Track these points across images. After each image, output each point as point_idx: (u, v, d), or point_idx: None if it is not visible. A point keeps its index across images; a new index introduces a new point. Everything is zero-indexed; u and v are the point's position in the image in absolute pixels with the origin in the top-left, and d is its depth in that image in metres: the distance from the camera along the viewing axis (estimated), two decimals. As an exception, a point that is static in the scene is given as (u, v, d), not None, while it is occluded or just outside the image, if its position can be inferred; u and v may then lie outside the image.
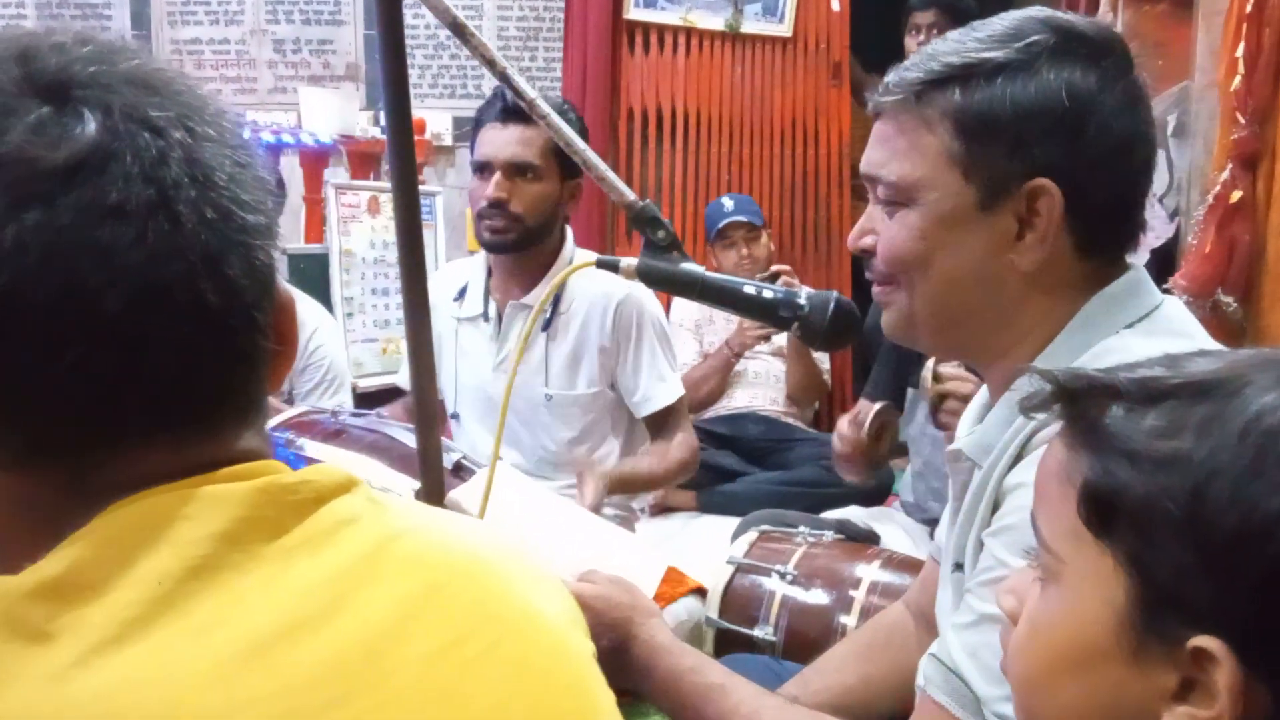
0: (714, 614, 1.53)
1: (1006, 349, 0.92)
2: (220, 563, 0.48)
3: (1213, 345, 0.82)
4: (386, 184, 2.90)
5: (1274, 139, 2.01)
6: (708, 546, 1.95)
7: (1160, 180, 2.33)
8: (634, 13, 3.59)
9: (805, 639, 1.44)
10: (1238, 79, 1.98)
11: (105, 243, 0.47)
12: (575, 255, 2.02)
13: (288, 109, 3.46)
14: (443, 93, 3.66)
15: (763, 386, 3.13)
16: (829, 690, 1.13)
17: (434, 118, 3.60)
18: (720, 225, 3.16)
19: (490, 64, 0.96)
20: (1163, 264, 2.25)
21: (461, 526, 0.61)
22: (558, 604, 0.59)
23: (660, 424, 2.08)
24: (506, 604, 0.56)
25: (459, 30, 0.94)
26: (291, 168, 3.27)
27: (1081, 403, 0.57)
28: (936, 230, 0.89)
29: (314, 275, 2.97)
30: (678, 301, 3.07)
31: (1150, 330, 0.87)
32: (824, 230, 3.73)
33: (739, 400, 3.10)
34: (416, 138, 1.01)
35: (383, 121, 3.29)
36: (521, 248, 1.96)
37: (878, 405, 1.76)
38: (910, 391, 2.13)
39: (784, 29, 3.64)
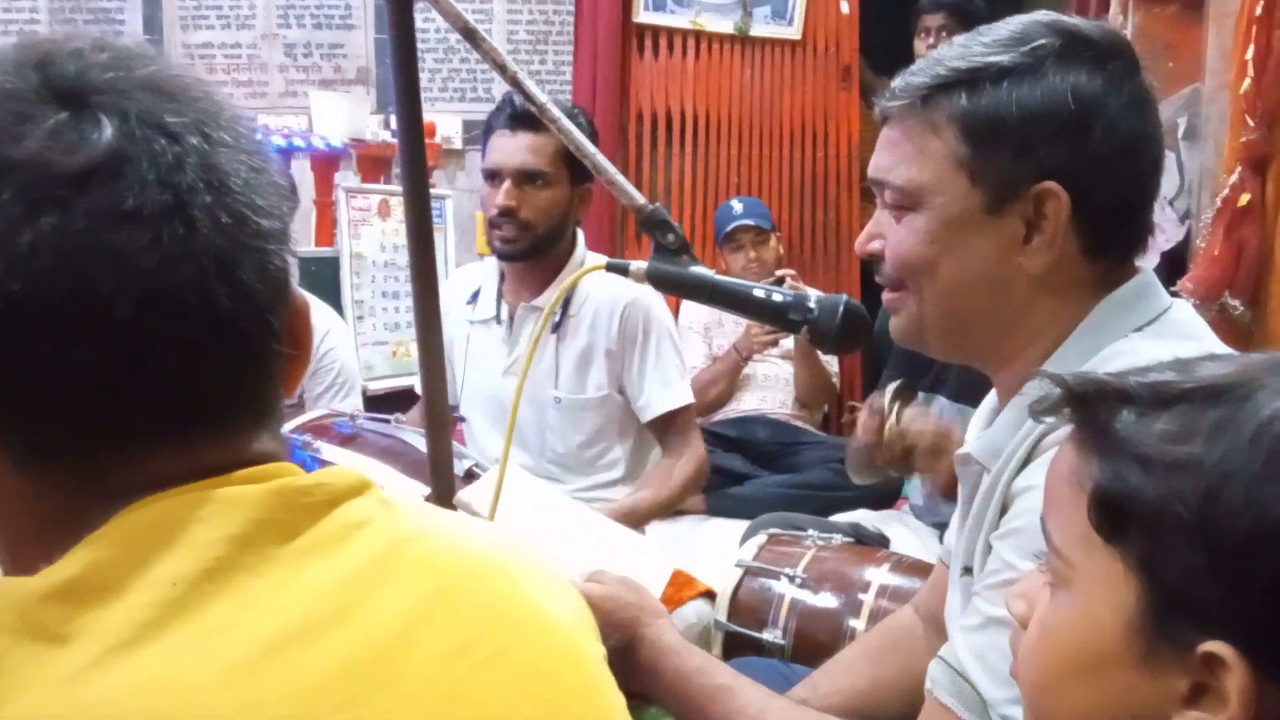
0: (723, 617, 1.53)
1: (1015, 352, 0.92)
2: (234, 565, 0.49)
3: (1222, 349, 0.82)
4: (397, 187, 2.91)
5: (1284, 142, 2.00)
6: (716, 549, 1.95)
7: (1171, 183, 2.33)
8: (643, 16, 3.60)
9: (814, 642, 1.44)
10: (1247, 81, 1.97)
11: (118, 247, 0.48)
12: (586, 259, 2.02)
13: (299, 113, 3.47)
14: (453, 96, 3.67)
15: (771, 389, 3.13)
16: (838, 693, 1.13)
17: (444, 121, 3.60)
18: (728, 228, 3.16)
19: (501, 68, 0.96)
20: (1173, 267, 2.24)
21: (473, 529, 0.61)
22: (569, 606, 0.59)
23: (665, 430, 2.06)
24: (517, 607, 0.56)
25: (470, 35, 0.94)
26: (302, 171, 3.28)
27: (1092, 407, 0.57)
28: (944, 234, 0.90)
29: (324, 278, 2.98)
30: (686, 304, 3.07)
31: (1159, 333, 0.87)
32: (833, 233, 3.72)
33: (748, 403, 3.10)
34: (426, 141, 1.01)
35: (393, 125, 3.31)
36: (533, 255, 1.96)
37: (892, 385, 1.74)
38: (920, 394, 2.12)
39: (793, 32, 3.64)
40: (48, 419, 0.49)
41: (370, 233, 3.12)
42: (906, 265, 0.92)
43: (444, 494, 1.10)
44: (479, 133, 2.13)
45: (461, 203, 3.55)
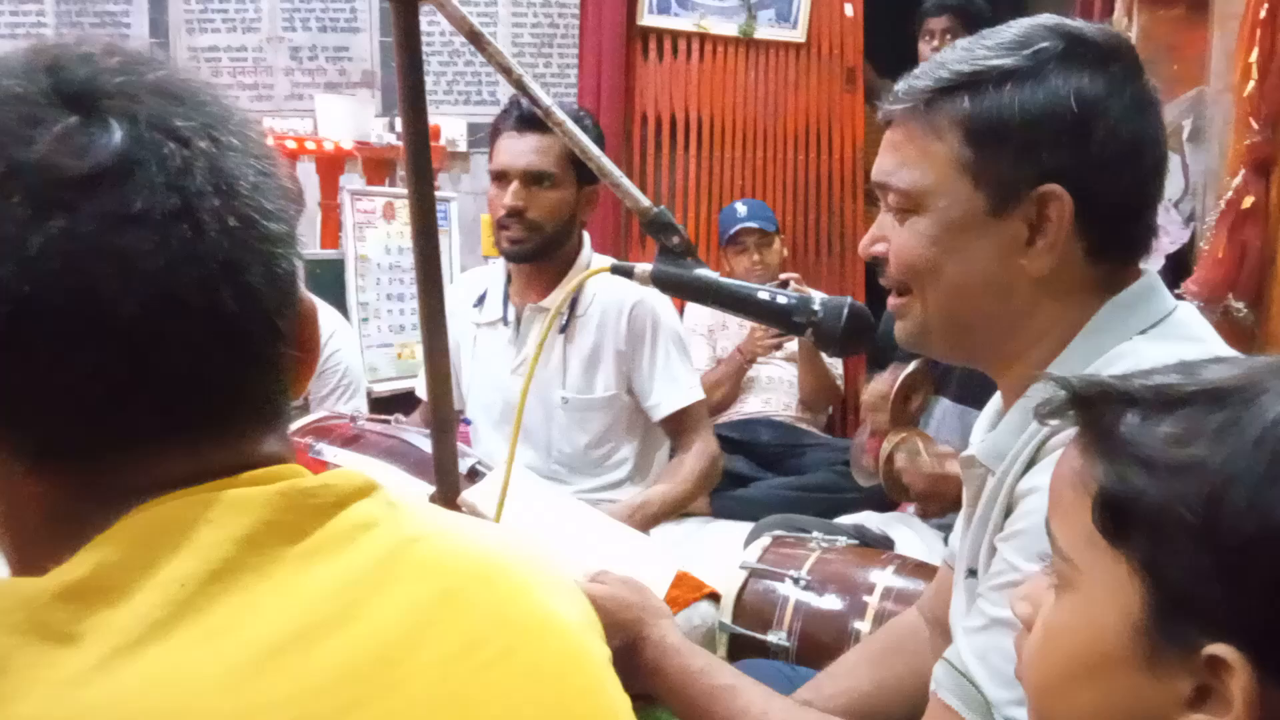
0: (727, 619, 1.53)
1: (1019, 355, 0.92)
2: (241, 566, 0.49)
3: (1226, 351, 0.82)
4: (402, 190, 2.92)
5: (1289, 144, 2.00)
6: (721, 552, 1.95)
7: (1175, 185, 2.32)
8: (648, 19, 3.60)
9: (819, 644, 1.44)
10: (1251, 84, 1.97)
11: (126, 250, 0.48)
12: (593, 260, 2.03)
13: (304, 115, 3.48)
14: (457, 99, 3.67)
15: (775, 392, 3.12)
16: (843, 695, 1.13)
17: (448, 124, 3.61)
18: (732, 231, 3.16)
19: (506, 71, 0.96)
20: (1178, 269, 2.24)
21: (479, 531, 0.61)
22: (575, 608, 0.59)
23: (678, 428, 2.07)
24: (523, 609, 0.56)
25: (475, 38, 0.94)
26: (307, 174, 3.28)
27: (1096, 409, 0.57)
28: (947, 237, 0.90)
29: (329, 281, 2.98)
30: (691, 306, 3.07)
31: (1164, 336, 0.87)
32: (838, 235, 3.72)
33: (751, 405, 3.10)
34: (431, 144, 1.02)
35: (398, 128, 3.32)
36: (540, 256, 1.97)
37: (912, 365, 1.75)
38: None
39: (798, 34, 3.64)
40: (55, 421, 0.50)
41: (375, 235, 3.12)
42: (910, 268, 0.92)
43: (449, 496, 1.11)
44: (484, 136, 2.14)
45: (466, 205, 3.55)
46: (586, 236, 2.06)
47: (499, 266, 2.11)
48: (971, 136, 0.87)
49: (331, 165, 3.28)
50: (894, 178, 0.92)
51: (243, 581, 0.48)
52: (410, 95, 0.94)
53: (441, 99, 3.62)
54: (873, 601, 1.46)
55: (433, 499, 1.17)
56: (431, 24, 3.44)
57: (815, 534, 1.69)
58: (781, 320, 1.02)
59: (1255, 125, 1.97)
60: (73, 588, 0.47)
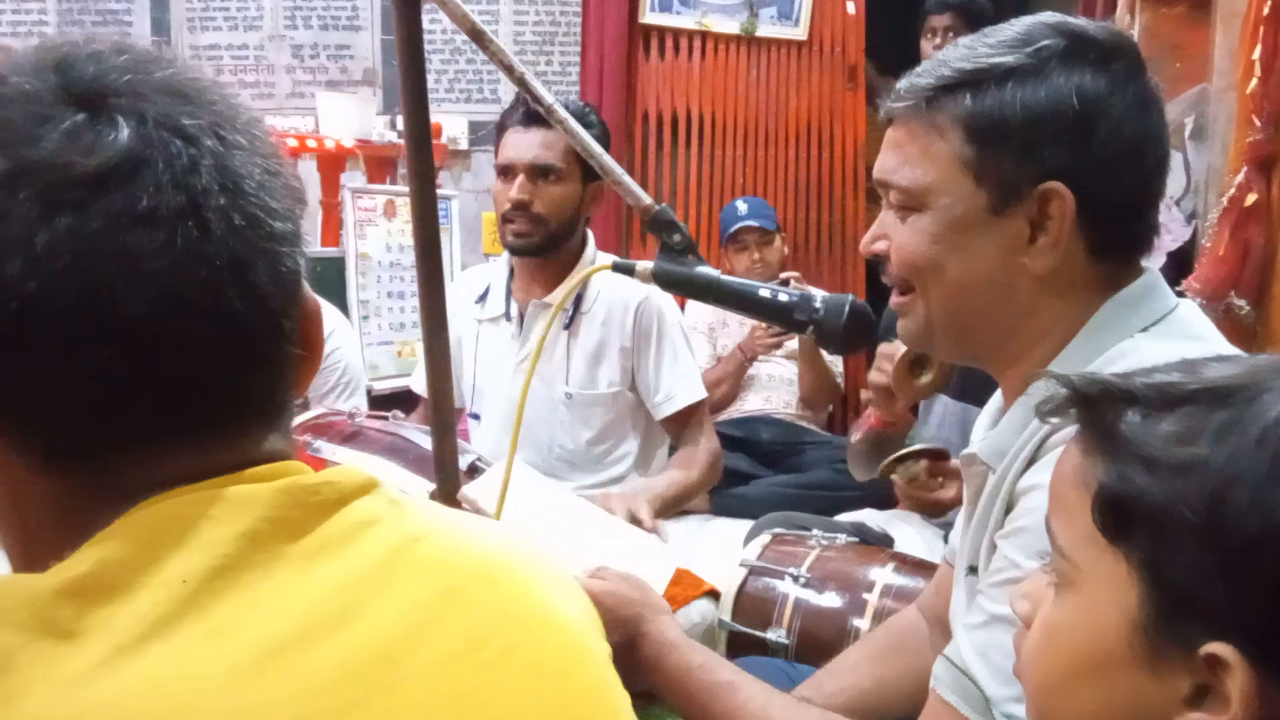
0: (727, 617, 1.53)
1: (1020, 353, 0.92)
2: (244, 563, 0.49)
3: (1229, 349, 0.82)
4: (403, 188, 2.92)
5: (1290, 142, 2.00)
6: (721, 549, 1.95)
7: (1178, 183, 2.32)
8: (649, 17, 3.60)
9: (818, 642, 1.44)
10: (1254, 82, 1.97)
11: (132, 248, 0.48)
12: (597, 258, 2.03)
13: (305, 114, 3.48)
14: (459, 97, 3.67)
15: (776, 390, 3.13)
16: (843, 693, 1.13)
17: (450, 122, 3.61)
18: (733, 229, 3.16)
19: (508, 69, 0.96)
20: (1180, 267, 2.24)
21: (481, 529, 0.61)
22: (576, 606, 0.60)
23: (681, 426, 2.07)
24: (525, 607, 0.56)
25: (477, 36, 0.94)
26: (309, 172, 3.29)
27: (1097, 407, 0.57)
28: (949, 235, 0.90)
29: (330, 278, 2.98)
30: (692, 304, 3.07)
31: (1165, 334, 0.87)
32: (839, 233, 3.72)
33: (752, 403, 3.10)
34: (433, 142, 1.02)
35: (399, 126, 3.32)
36: (545, 250, 1.97)
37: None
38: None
39: (799, 32, 3.63)
40: (61, 419, 0.50)
41: (376, 233, 3.12)
42: (912, 266, 0.92)
43: (449, 494, 1.11)
44: (485, 134, 2.14)
45: (467, 203, 3.55)
46: (591, 234, 2.07)
47: (502, 263, 2.11)
48: (973, 134, 0.88)
49: (333, 163, 3.28)
50: (896, 176, 0.92)
51: (245, 579, 0.48)
52: (412, 93, 0.95)
53: (443, 97, 3.62)
54: (872, 599, 1.47)
55: (433, 496, 1.17)
56: (433, 22, 3.44)
57: (815, 531, 1.69)
58: (783, 318, 1.02)
59: (1258, 123, 1.97)
60: (75, 584, 0.47)
